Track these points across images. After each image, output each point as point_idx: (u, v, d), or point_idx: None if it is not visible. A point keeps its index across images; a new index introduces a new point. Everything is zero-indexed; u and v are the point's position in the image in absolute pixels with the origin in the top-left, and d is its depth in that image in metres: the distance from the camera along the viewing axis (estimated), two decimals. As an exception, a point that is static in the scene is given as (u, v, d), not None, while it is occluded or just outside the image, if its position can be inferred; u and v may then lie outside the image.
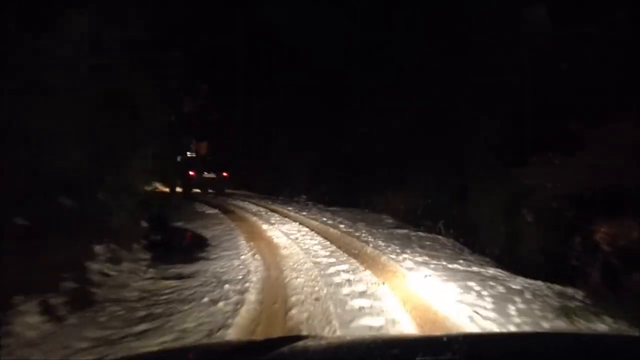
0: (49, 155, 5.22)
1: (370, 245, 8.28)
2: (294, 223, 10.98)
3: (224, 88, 20.88)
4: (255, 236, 9.27)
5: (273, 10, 15.41)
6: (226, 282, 5.57)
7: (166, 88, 7.67)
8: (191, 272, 6.27)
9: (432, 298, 4.94)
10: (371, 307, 4.66)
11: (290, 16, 14.95)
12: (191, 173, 19.08)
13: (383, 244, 8.42)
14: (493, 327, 4.18)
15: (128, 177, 6.90)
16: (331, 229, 10.16)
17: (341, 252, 7.53)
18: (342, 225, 10.68)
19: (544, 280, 6.09)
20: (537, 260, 7.55)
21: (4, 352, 3.45)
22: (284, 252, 7.65)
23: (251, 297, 4.83)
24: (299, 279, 5.66)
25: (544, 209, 7.53)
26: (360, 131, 15.36)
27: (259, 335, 3.91)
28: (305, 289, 5.26)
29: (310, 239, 8.84)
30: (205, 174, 19.40)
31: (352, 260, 6.85)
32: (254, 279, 5.67)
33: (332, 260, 6.89)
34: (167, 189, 16.51)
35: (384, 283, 5.49)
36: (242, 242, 8.48)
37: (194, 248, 8.23)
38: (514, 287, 5.66)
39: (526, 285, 5.73)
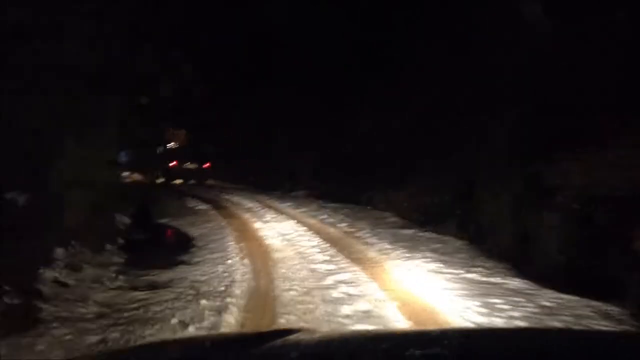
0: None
1: (375, 248, 7.41)
2: (290, 221, 10.09)
3: (223, 87, 20.41)
4: (247, 236, 8.40)
5: (273, 10, 15.31)
6: (205, 295, 4.69)
7: (136, 63, 6.79)
8: (167, 281, 5.41)
9: (454, 321, 4.06)
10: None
11: (290, 16, 14.86)
12: (172, 163, 19.00)
13: (389, 246, 7.54)
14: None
15: (85, 166, 5.94)
16: (331, 229, 9.29)
17: (342, 257, 6.65)
18: (343, 224, 9.80)
19: (577, 294, 5.22)
20: (563, 269, 6.70)
21: None
22: (277, 255, 6.77)
23: (230, 319, 3.97)
24: (291, 292, 4.78)
25: (571, 211, 6.66)
26: (362, 128, 14.64)
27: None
28: (298, 306, 4.38)
29: (308, 240, 7.96)
30: (187, 165, 19.30)
31: (354, 268, 5.97)
32: (238, 291, 4.79)
33: (331, 267, 6.01)
34: (145, 180, 16.05)
35: (392, 300, 4.62)
36: (231, 243, 7.61)
37: (177, 249, 7.36)
38: (545, 304, 4.79)
39: (560, 301, 4.85)
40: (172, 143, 20.12)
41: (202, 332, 3.66)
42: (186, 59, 18.33)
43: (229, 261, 6.23)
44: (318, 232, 8.80)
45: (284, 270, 5.81)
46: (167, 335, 3.63)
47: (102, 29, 5.91)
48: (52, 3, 5.24)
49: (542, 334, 1.74)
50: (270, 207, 12.39)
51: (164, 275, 5.64)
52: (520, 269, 7.06)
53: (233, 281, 5.20)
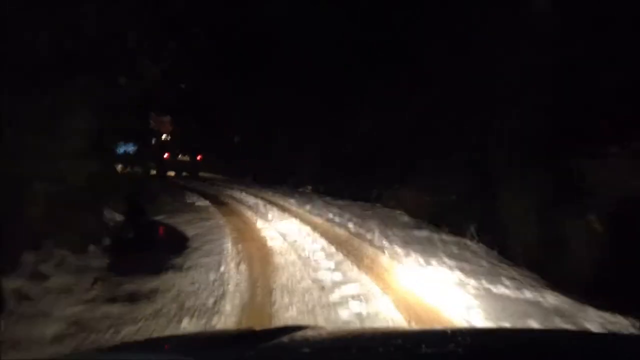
0: None
1: (386, 252, 6.67)
2: (294, 219, 9.38)
3: (223, 87, 20.28)
4: (246, 236, 7.69)
5: (273, 10, 15.20)
6: (189, 311, 3.99)
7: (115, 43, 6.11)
8: (150, 290, 4.70)
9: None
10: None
11: (290, 16, 14.74)
12: (165, 155, 19.16)
13: (401, 251, 6.80)
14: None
15: (42, 157, 5.20)
16: (337, 229, 8.56)
17: (350, 263, 5.92)
18: (350, 224, 9.07)
19: (624, 312, 4.47)
20: (601, 280, 5.94)
21: None
22: (278, 260, 6.05)
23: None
24: (290, 311, 4.04)
25: (614, 213, 5.89)
26: (367, 125, 13.99)
27: None
28: (298, 328, 3.66)
29: (312, 242, 7.24)
30: (180, 157, 19.66)
31: (365, 278, 5.24)
32: (229, 307, 4.08)
33: (338, 276, 5.28)
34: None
35: (412, 321, 3.88)
36: (228, 245, 6.90)
37: (169, 251, 6.64)
38: (589, 327, 4.04)
39: (609, 325, 4.10)
40: (165, 135, 20.07)
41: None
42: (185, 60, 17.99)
43: (223, 267, 5.52)
44: (324, 233, 8.08)
45: (284, 280, 5.09)
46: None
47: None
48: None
49: (551, 335, 1.80)
50: (274, 204, 11.68)
51: (149, 284, 4.93)
52: (550, 279, 6.31)
53: (224, 293, 4.48)
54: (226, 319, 3.81)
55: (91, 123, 5.94)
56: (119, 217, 8.96)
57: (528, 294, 4.95)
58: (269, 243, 7.16)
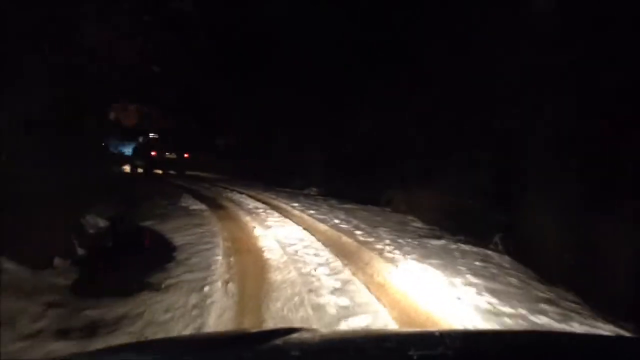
0: None
1: (401, 268, 5.77)
2: (296, 226, 8.49)
3: (222, 87, 20.19)
4: (241, 246, 6.82)
5: (273, 10, 15.17)
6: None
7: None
8: (113, 320, 3.84)
9: None
10: None
11: (290, 16, 14.70)
12: (152, 153, 19.16)
13: (418, 265, 5.91)
14: None
15: None
16: (344, 237, 7.66)
17: (358, 283, 5.03)
18: (358, 232, 8.18)
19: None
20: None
21: None
22: (274, 278, 5.17)
23: None
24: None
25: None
26: (378, 120, 13.15)
27: None
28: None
29: (315, 254, 6.35)
30: (167, 155, 19.52)
31: (376, 304, 4.34)
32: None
33: (345, 301, 4.39)
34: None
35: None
36: (219, 257, 6.02)
37: (150, 264, 5.78)
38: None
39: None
40: (152, 134, 20.01)
41: None
42: (185, 60, 18.47)
43: (207, 287, 4.64)
44: (329, 242, 7.20)
45: (279, 305, 4.21)
46: None
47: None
48: None
49: (543, 337, 1.81)
50: (275, 208, 10.80)
51: (115, 310, 4.07)
52: (593, 300, 5.39)
53: (202, 326, 3.61)
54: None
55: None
56: (102, 223, 8.12)
57: (577, 326, 4.04)
58: (266, 255, 6.28)
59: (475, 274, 5.72)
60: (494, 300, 4.56)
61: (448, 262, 6.24)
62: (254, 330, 2.95)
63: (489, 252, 7.40)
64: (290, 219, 9.24)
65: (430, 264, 6.04)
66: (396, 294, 4.77)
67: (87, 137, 8.47)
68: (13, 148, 4.81)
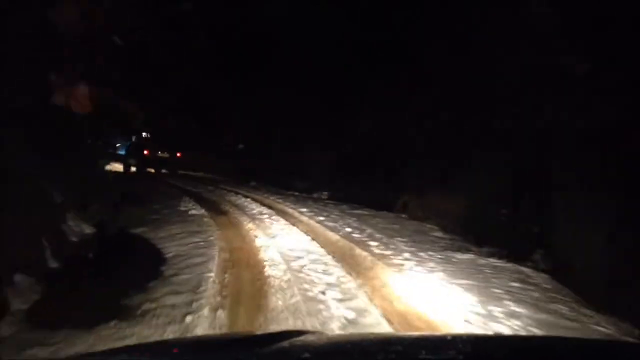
0: None
1: (425, 291, 4.86)
2: (303, 235, 7.60)
3: (223, 87, 20.10)
4: (240, 259, 5.94)
5: (273, 10, 15.08)
6: None
7: None
8: (62, 365, 2.97)
9: None
10: None
11: (290, 16, 14.53)
12: (145, 152, 19.37)
13: (446, 288, 4.99)
14: None
15: None
16: (358, 249, 6.76)
17: (377, 313, 4.11)
18: (373, 243, 7.28)
19: None
20: None
21: None
22: (274, 304, 4.27)
23: None
24: None
25: None
26: (391, 117, 12.29)
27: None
28: None
29: (324, 271, 5.44)
30: (160, 154, 19.79)
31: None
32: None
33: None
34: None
35: None
36: (212, 273, 5.14)
37: (131, 281, 4.93)
38: None
39: None
40: (145, 133, 20.45)
41: None
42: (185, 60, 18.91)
43: (190, 318, 3.76)
44: (340, 256, 6.30)
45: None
46: None
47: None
48: None
49: (551, 342, 1.75)
50: (281, 213, 9.92)
51: (67, 349, 3.21)
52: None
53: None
54: None
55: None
56: (88, 229, 7.31)
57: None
58: (267, 271, 5.39)
59: (515, 299, 4.78)
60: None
61: (481, 283, 5.31)
62: (259, 332, 2.94)
63: (524, 269, 6.45)
64: (297, 227, 8.35)
65: (461, 286, 5.12)
66: (425, 327, 3.85)
67: (73, 132, 7.67)
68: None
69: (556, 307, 4.73)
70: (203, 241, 6.87)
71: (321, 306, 4.20)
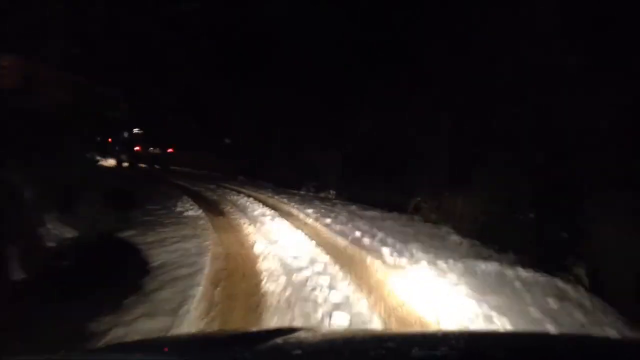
0: None
1: (451, 310, 4.10)
2: (309, 241, 6.86)
3: (223, 87, 20.01)
4: (235, 270, 5.21)
5: (273, 10, 15.09)
6: None
7: None
8: None
9: None
10: None
11: (290, 16, 14.53)
12: (136, 148, 19.93)
13: (475, 308, 4.22)
14: None
15: None
16: (370, 258, 6.02)
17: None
18: (386, 249, 6.52)
19: None
20: None
21: None
22: (271, 324, 3.53)
23: None
24: None
25: None
26: (403, 115, 11.53)
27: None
28: None
29: (330, 287, 4.69)
30: (151, 150, 20.24)
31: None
32: None
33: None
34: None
35: None
36: (200, 288, 4.42)
37: (101, 300, 4.21)
38: None
39: None
40: (137, 129, 20.59)
41: None
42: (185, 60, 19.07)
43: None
44: (349, 266, 5.55)
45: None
46: None
47: None
48: None
49: (544, 338, 1.77)
50: (286, 215, 9.19)
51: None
52: None
53: None
54: None
55: None
56: (70, 233, 6.61)
57: None
58: (265, 285, 4.66)
59: (557, 322, 4.01)
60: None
61: (513, 301, 4.54)
62: (254, 329, 2.95)
63: (558, 281, 5.66)
64: (302, 230, 7.61)
65: (489, 305, 4.35)
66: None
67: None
68: None
69: (607, 333, 3.96)
70: (196, 247, 6.16)
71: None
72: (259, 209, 9.65)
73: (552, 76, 7.50)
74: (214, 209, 9.44)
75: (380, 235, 7.65)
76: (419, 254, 6.41)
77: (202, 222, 7.90)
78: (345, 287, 4.66)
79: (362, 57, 12.54)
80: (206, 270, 5.08)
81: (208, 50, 18.84)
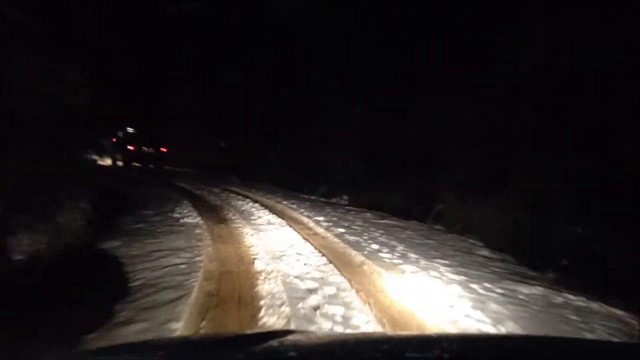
0: None
1: None
2: (319, 257, 5.93)
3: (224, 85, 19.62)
4: (229, 296, 4.31)
5: (273, 10, 15.14)
6: None
7: None
8: None
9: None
10: None
11: (290, 15, 14.45)
12: (130, 147, 19.52)
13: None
14: None
15: None
16: (388, 275, 5.07)
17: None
18: (408, 268, 5.59)
19: None
20: None
21: None
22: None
23: None
24: None
25: None
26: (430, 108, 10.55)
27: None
28: None
29: (345, 320, 3.76)
30: (145, 149, 19.72)
31: None
32: None
33: None
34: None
35: None
36: (180, 323, 3.50)
37: (56, 335, 3.32)
38: None
39: None
40: (130, 128, 20.28)
41: None
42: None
43: None
44: (368, 290, 4.62)
45: None
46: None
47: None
48: None
49: (538, 341, 1.74)
50: (294, 222, 8.28)
51: None
52: None
53: None
54: None
55: None
56: (43, 244, 5.74)
57: None
58: (263, 318, 3.75)
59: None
60: None
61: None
62: (250, 331, 3.00)
63: (619, 312, 4.67)
64: (312, 243, 6.68)
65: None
66: None
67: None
68: None
69: None
70: (186, 262, 5.25)
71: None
72: (265, 216, 8.75)
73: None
74: (214, 216, 8.55)
75: (400, 248, 6.72)
76: (448, 274, 5.46)
77: (198, 230, 7.00)
78: (364, 321, 3.73)
79: (362, 56, 12.01)
80: (194, 295, 4.18)
81: (208, 50, 18.75)
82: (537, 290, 5.22)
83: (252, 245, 6.33)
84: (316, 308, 3.98)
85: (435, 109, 9.76)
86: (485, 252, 7.38)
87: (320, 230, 7.78)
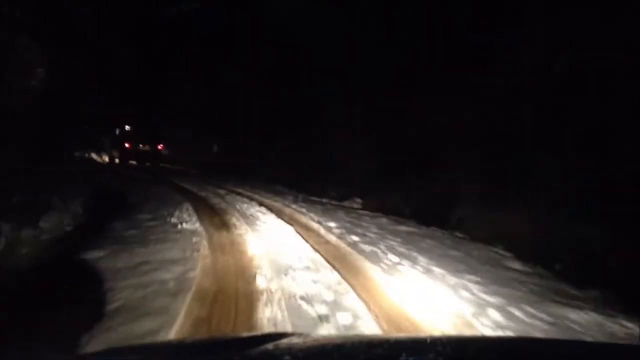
0: None
1: None
2: (330, 271, 5.18)
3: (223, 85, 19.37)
4: (220, 326, 3.56)
5: (272, 10, 14.94)
6: None
7: None
8: None
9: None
10: None
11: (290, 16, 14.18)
12: (126, 145, 19.36)
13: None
14: None
15: None
16: (411, 292, 4.30)
17: None
18: (436, 287, 4.80)
19: None
20: None
21: None
22: None
23: None
24: None
25: None
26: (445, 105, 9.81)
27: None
28: None
29: None
30: (141, 146, 19.57)
31: None
32: None
33: None
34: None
35: None
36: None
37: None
38: None
39: None
40: (127, 126, 20.22)
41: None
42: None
43: None
44: (387, 315, 3.86)
45: None
46: None
47: None
48: None
49: (534, 343, 1.73)
50: (303, 229, 7.54)
51: None
52: None
53: None
54: None
55: None
56: (22, 253, 5.06)
57: None
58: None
59: None
60: None
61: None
62: (245, 334, 2.92)
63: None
64: (323, 254, 5.92)
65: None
66: None
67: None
68: None
69: None
70: (176, 279, 4.52)
71: None
72: (270, 221, 8.02)
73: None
74: (214, 221, 7.82)
75: (422, 260, 5.97)
76: (480, 294, 4.70)
77: (196, 239, 6.27)
78: None
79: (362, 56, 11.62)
80: (178, 322, 3.45)
81: (208, 50, 18.49)
82: (587, 316, 4.45)
83: (255, 257, 5.59)
84: (329, 331, 3.22)
85: (435, 109, 9.20)
86: (516, 264, 6.59)
87: (331, 237, 7.03)
